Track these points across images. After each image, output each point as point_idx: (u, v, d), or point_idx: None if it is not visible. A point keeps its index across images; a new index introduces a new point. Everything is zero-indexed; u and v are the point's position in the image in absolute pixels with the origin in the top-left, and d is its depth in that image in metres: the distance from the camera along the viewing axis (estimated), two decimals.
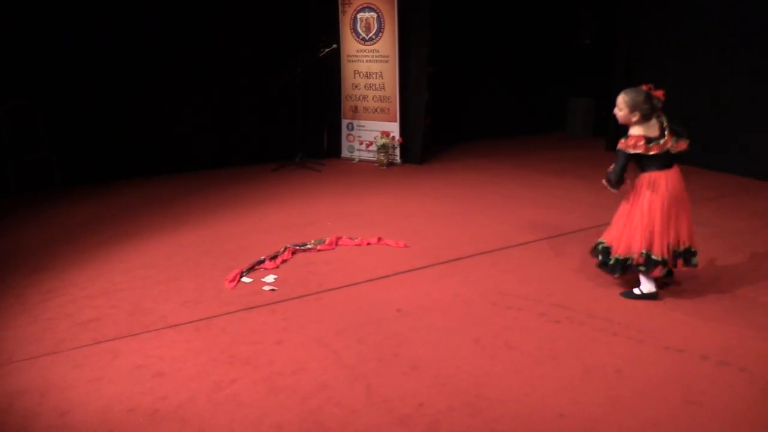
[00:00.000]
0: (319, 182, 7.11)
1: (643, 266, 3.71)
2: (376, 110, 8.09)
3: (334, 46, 7.74)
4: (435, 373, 3.06)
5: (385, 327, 3.55)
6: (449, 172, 7.64)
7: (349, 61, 8.13)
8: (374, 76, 8.01)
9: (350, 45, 8.05)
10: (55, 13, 6.45)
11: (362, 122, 8.20)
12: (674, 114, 3.89)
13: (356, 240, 5.02)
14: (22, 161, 6.44)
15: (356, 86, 8.15)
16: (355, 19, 7.94)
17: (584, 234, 5.16)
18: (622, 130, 3.86)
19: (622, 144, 3.68)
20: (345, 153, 8.40)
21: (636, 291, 3.87)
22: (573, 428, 2.64)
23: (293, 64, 7.51)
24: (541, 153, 8.88)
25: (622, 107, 3.67)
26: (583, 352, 3.25)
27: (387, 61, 7.87)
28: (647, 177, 3.71)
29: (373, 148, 8.01)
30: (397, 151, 8.02)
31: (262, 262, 4.52)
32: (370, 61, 7.99)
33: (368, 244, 4.97)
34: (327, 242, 4.92)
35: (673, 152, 3.68)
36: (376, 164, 7.95)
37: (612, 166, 3.73)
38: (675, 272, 4.08)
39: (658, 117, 3.67)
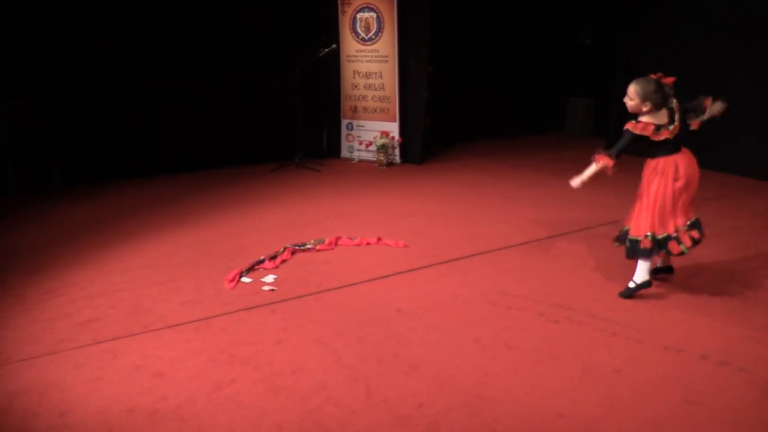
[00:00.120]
0: (319, 182, 7.11)
1: (648, 250, 3.71)
2: (375, 110, 8.09)
3: (334, 46, 7.74)
4: (434, 373, 3.06)
5: (384, 327, 3.55)
6: (449, 172, 7.64)
7: (349, 61, 8.13)
8: (374, 76, 8.01)
9: (350, 45, 8.05)
10: (55, 13, 6.45)
11: (362, 122, 8.19)
12: None
13: (356, 240, 5.02)
14: (22, 161, 6.44)
15: (356, 86, 8.15)
16: (354, 19, 7.94)
17: (584, 234, 5.16)
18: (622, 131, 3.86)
19: (630, 125, 3.67)
20: (344, 153, 8.40)
21: (631, 284, 3.87)
22: (572, 428, 2.64)
23: (293, 64, 7.51)
24: (540, 153, 8.87)
25: (633, 97, 3.68)
26: (583, 352, 3.25)
27: (386, 61, 7.87)
28: (655, 163, 3.72)
29: (373, 148, 8.01)
30: (397, 151, 8.02)
31: (262, 262, 4.52)
32: (370, 61, 7.99)
33: (368, 244, 4.97)
34: (326, 242, 4.92)
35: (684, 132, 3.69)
36: (376, 164, 7.95)
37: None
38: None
39: (668, 106, 3.68)
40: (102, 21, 6.71)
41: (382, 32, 7.81)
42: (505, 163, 8.20)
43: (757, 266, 4.43)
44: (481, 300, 3.91)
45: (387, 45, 7.81)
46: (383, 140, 7.84)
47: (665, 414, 2.73)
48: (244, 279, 4.25)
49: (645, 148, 3.73)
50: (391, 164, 7.97)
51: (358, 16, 7.91)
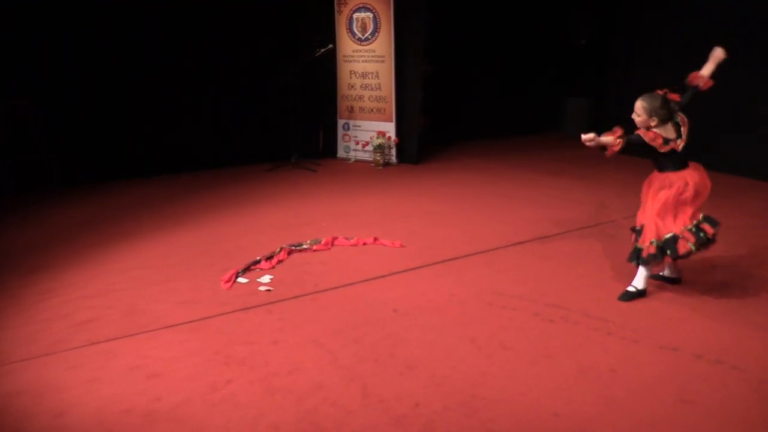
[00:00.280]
0: (315, 182, 7.11)
1: (653, 256, 3.73)
2: (372, 110, 8.09)
3: (330, 46, 7.74)
4: (431, 373, 3.07)
5: (381, 327, 3.56)
6: (446, 172, 7.64)
7: (345, 61, 8.13)
8: (370, 76, 8.01)
9: (346, 45, 8.05)
10: (55, 13, 6.44)
11: (358, 122, 8.19)
12: None
13: (352, 240, 5.02)
14: (21, 161, 6.44)
15: (352, 86, 8.16)
16: (351, 19, 7.95)
17: (581, 234, 5.18)
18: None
19: (641, 132, 3.71)
20: (341, 153, 8.40)
21: (630, 289, 3.89)
22: (568, 428, 2.66)
23: (289, 64, 7.51)
24: (538, 153, 8.88)
25: (640, 113, 3.73)
26: (578, 352, 3.27)
27: (383, 61, 7.88)
28: (663, 176, 3.77)
29: (369, 148, 8.01)
30: (393, 151, 8.02)
31: (258, 262, 4.52)
32: (366, 61, 7.99)
33: (364, 244, 4.97)
34: (323, 242, 4.93)
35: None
36: (372, 164, 7.95)
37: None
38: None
39: (674, 120, 3.74)
40: (101, 21, 6.70)
41: (378, 32, 7.81)
42: (502, 162, 8.20)
43: (754, 266, 4.45)
44: (477, 300, 3.92)
45: (383, 45, 7.82)
46: (380, 140, 7.85)
47: (660, 413, 2.74)
48: (241, 279, 4.25)
49: (653, 160, 3.79)
50: (387, 164, 7.97)
51: (355, 16, 7.91)
